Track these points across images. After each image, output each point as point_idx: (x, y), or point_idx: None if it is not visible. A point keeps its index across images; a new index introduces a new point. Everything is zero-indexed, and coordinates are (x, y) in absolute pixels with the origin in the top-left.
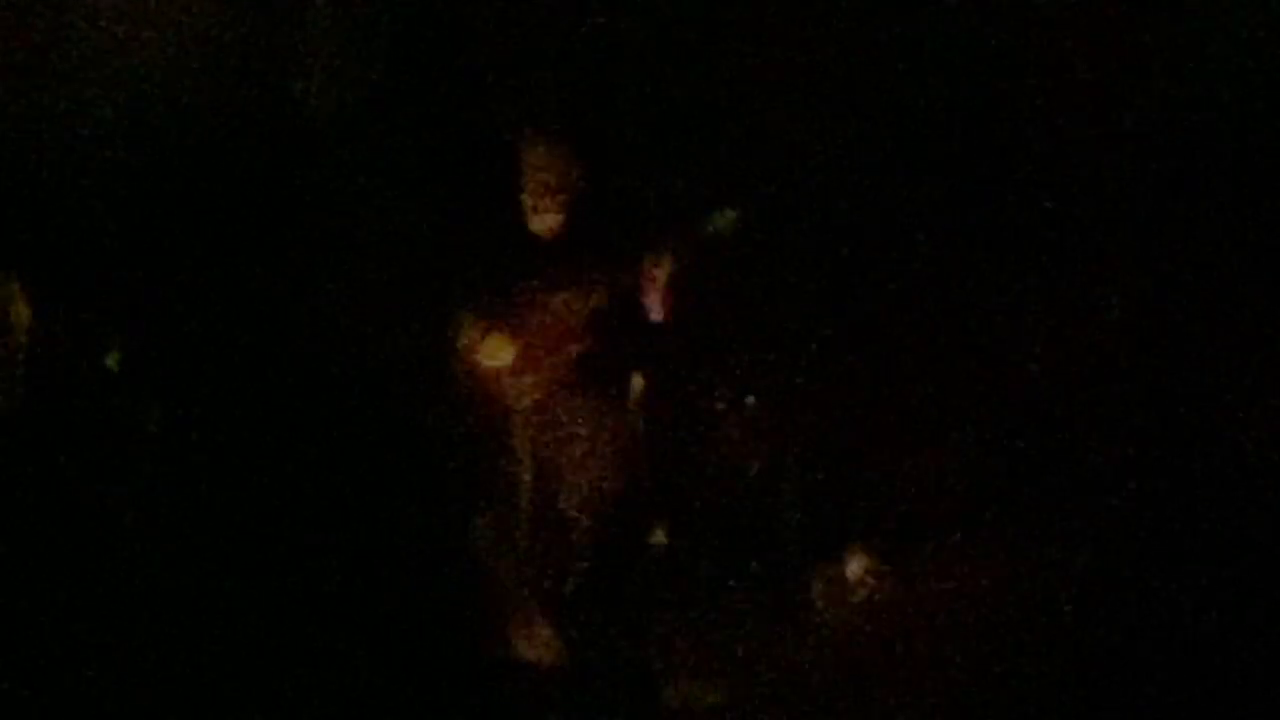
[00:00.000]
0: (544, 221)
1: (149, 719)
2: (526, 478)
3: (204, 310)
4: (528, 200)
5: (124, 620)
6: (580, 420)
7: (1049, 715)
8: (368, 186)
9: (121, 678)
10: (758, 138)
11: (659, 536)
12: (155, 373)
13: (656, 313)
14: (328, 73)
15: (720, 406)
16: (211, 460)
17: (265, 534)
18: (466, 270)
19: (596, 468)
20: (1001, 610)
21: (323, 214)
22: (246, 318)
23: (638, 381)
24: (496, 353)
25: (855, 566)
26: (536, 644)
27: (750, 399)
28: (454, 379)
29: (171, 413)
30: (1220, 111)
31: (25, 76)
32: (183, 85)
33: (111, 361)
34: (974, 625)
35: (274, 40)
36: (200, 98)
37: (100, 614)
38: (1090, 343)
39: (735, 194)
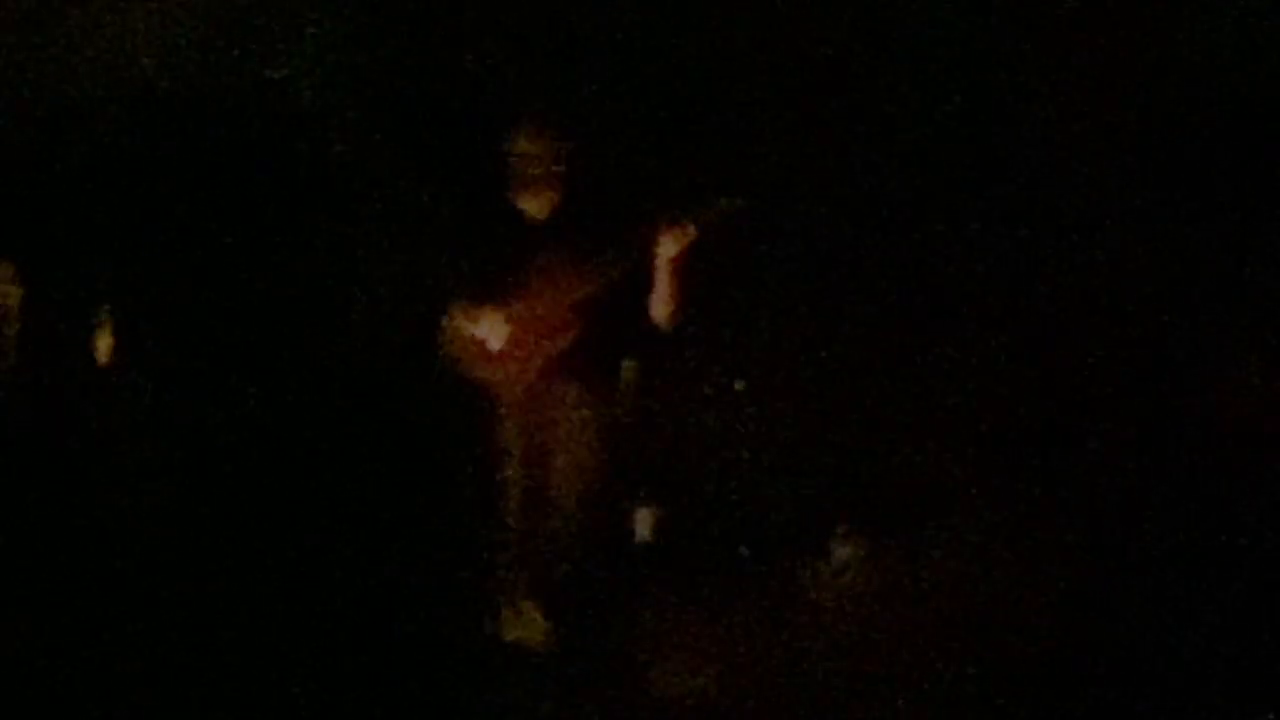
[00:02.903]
0: (535, 205)
1: (134, 690)
2: (516, 463)
3: (194, 293)
4: (519, 184)
5: (116, 598)
6: (570, 406)
7: (1037, 701)
8: (358, 170)
9: (109, 651)
10: (753, 126)
11: (648, 522)
12: (146, 355)
13: (659, 312)
14: (316, 58)
15: (709, 392)
16: (201, 444)
17: (255, 517)
18: (459, 255)
19: (586, 453)
20: (990, 596)
21: (313, 198)
22: (237, 302)
23: (628, 367)
24: (490, 328)
25: (843, 552)
26: (525, 628)
27: (739, 384)
28: (445, 365)
29: (161, 393)
30: (1219, 107)
31: (16, 63)
32: (173, 72)
33: (102, 344)
34: (962, 611)
35: (263, 26)
36: (191, 84)
37: (92, 592)
38: (1084, 331)
39: (730, 182)
